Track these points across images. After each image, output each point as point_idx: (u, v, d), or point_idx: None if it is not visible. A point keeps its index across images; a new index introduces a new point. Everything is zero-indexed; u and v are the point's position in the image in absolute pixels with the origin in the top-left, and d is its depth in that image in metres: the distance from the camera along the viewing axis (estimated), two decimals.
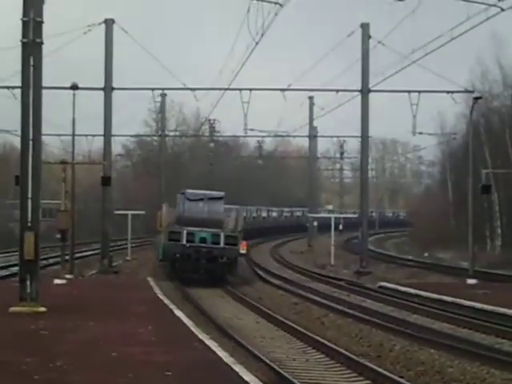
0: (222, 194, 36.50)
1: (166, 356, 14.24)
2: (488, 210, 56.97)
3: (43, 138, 56.81)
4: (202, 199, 35.44)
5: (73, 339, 16.01)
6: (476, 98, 36.89)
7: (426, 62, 36.94)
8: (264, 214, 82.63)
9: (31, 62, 20.53)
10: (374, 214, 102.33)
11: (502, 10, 27.19)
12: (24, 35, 20.57)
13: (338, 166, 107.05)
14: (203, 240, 33.49)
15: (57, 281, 29.89)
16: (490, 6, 27.11)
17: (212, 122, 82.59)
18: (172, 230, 34.11)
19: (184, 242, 33.42)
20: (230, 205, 40.88)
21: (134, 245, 53.87)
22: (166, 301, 24.45)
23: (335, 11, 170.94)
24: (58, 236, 34.80)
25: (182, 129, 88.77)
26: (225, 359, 14.35)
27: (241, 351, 17.48)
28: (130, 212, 49.72)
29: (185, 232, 33.56)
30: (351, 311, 25.20)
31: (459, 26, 29.11)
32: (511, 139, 53.31)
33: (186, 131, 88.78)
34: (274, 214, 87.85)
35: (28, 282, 20.29)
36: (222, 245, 33.42)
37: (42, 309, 20.07)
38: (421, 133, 48.53)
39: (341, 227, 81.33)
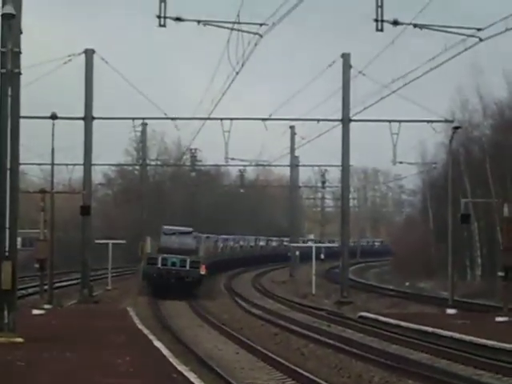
0: (190, 229, 46.79)
1: None
2: (468, 240, 57.12)
3: (23, 167, 55.92)
4: (174, 233, 45.21)
5: (49, 370, 15.85)
6: (455, 128, 37.13)
7: (407, 92, 37.29)
8: (251, 244, 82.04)
9: (9, 92, 20.54)
10: (353, 244, 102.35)
11: (481, 40, 27.44)
12: (2, 65, 20.61)
13: (319, 195, 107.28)
14: (173, 264, 42.57)
15: (35, 311, 29.68)
16: (469, 36, 27.34)
17: (193, 151, 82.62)
18: (150, 256, 43.36)
19: (159, 265, 42.51)
20: (210, 234, 55.44)
21: (114, 274, 53.59)
22: (146, 331, 24.30)
23: (316, 41, 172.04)
24: (37, 265, 34.55)
25: (164, 158, 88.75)
26: None
27: (220, 383, 17.37)
28: (110, 241, 49.50)
29: (160, 258, 42.75)
30: (331, 341, 25.12)
31: (438, 57, 29.36)
32: (491, 169, 53.56)
33: (167, 160, 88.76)
34: (252, 244, 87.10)
35: (5, 312, 20.14)
36: (187, 267, 42.42)
37: (19, 339, 19.90)
38: (401, 162, 48.81)
39: (322, 256, 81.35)
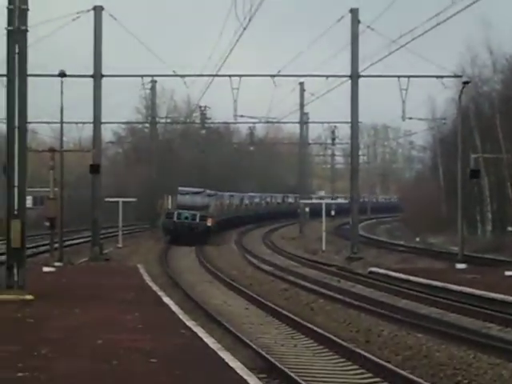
0: (202, 190, 55.07)
1: (152, 343, 14.19)
2: (478, 195, 57.02)
3: (35, 126, 55.78)
4: (188, 193, 53.82)
5: (58, 327, 15.93)
6: (465, 83, 36.80)
7: (415, 47, 36.95)
8: (257, 200, 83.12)
9: (16, 50, 20.43)
10: (365, 200, 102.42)
11: None
12: (9, 23, 20.50)
13: (329, 151, 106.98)
14: (186, 218, 51.58)
15: (46, 268, 29.82)
16: None
17: (203, 108, 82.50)
18: (168, 212, 53.30)
19: (175, 218, 51.69)
20: (221, 192, 62.46)
21: (125, 232, 53.83)
22: (155, 287, 24.40)
23: None
24: (47, 224, 34.65)
25: (173, 116, 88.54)
26: (212, 345, 14.29)
27: (229, 337, 17.47)
28: (120, 199, 49.67)
29: (175, 212, 52.10)
30: (341, 297, 25.21)
31: (446, 10, 29.01)
32: (501, 124, 53.21)
33: (177, 118, 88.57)
34: (267, 200, 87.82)
35: (15, 270, 20.25)
36: (197, 220, 51.37)
37: (29, 296, 20.01)
38: (410, 118, 48.54)
39: (333, 213, 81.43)
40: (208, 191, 56.46)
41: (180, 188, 54.92)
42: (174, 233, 51.55)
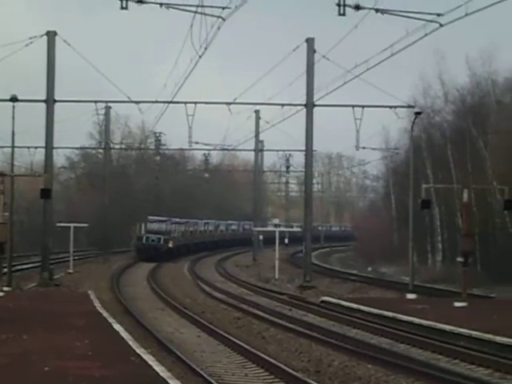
0: (166, 218, 67.13)
1: (101, 370, 14.09)
2: (429, 225, 57.55)
3: None
4: (155, 221, 65.81)
5: (5, 353, 15.74)
6: (417, 113, 37.25)
7: (370, 77, 37.32)
8: (211, 228, 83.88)
9: None
10: (319, 228, 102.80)
11: (441, 25, 27.52)
12: None
13: (284, 179, 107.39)
14: (153, 240, 62.44)
15: None
16: (429, 21, 27.43)
17: (157, 135, 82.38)
18: (139, 236, 63.71)
19: (144, 241, 62.56)
20: (177, 218, 69.78)
21: (76, 257, 53.36)
22: (106, 314, 24.22)
23: (279, 26, 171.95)
24: None
25: (128, 142, 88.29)
26: (162, 374, 14.23)
27: (179, 366, 17.37)
28: (72, 224, 49.31)
29: (144, 236, 62.96)
30: (292, 326, 25.21)
31: (400, 42, 29.42)
32: (452, 154, 53.95)
33: (131, 144, 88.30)
34: (221, 228, 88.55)
35: None
36: (161, 242, 62.39)
37: None
38: (364, 147, 48.90)
39: (286, 241, 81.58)
40: (173, 219, 68.01)
41: (149, 217, 66.16)
42: (142, 252, 61.78)
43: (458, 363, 18.70)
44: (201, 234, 78.31)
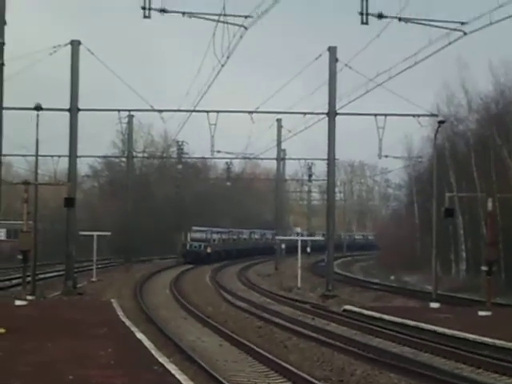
0: (206, 228, 77.14)
1: (124, 379, 14.12)
2: (453, 234, 57.28)
3: (10, 158, 55.91)
4: (197, 231, 76.18)
5: (29, 361, 15.80)
6: (440, 122, 37.13)
7: (392, 86, 37.29)
8: (245, 236, 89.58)
9: None
10: (342, 237, 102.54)
11: (465, 33, 27.42)
12: None
13: (306, 188, 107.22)
14: (195, 247, 73.03)
15: (18, 302, 29.58)
16: (452, 30, 27.34)
17: (180, 143, 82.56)
18: (183, 243, 74.17)
19: (188, 247, 73.23)
20: (221, 229, 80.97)
21: (99, 266, 53.54)
22: (128, 323, 24.25)
23: (301, 35, 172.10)
24: (20, 257, 34.42)
25: (150, 150, 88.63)
26: (184, 383, 14.23)
27: (202, 375, 17.35)
28: (95, 233, 49.48)
29: (188, 244, 73.65)
30: (315, 335, 25.14)
31: (423, 50, 29.35)
32: (476, 163, 53.70)
33: (154, 153, 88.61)
34: (256, 236, 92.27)
35: None
36: (202, 248, 72.82)
37: (1, 330, 19.84)
38: (387, 156, 48.88)
39: (309, 250, 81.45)
40: (213, 229, 77.99)
41: (193, 227, 76.55)
42: (186, 256, 71.90)
43: (482, 372, 18.58)
44: (234, 242, 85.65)
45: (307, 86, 45.34)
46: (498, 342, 21.19)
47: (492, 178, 50.23)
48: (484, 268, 31.67)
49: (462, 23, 27.45)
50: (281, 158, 68.72)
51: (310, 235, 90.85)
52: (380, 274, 65.07)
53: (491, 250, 32.00)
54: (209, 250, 73.11)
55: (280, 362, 19.04)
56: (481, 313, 29.56)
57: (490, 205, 32.30)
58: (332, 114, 41.32)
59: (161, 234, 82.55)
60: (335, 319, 30.07)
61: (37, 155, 37.47)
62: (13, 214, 55.93)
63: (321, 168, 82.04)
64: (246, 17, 27.91)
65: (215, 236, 78.75)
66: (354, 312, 31.90)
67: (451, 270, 57.58)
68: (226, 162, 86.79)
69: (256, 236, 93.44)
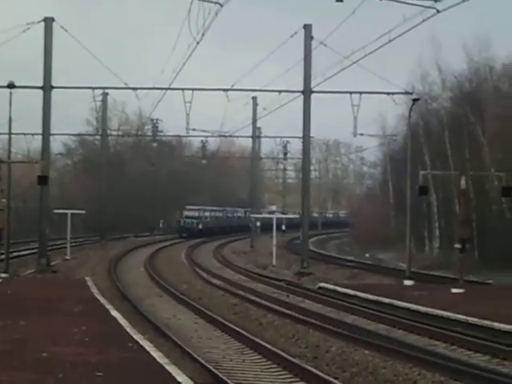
0: (198, 207, 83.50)
1: (98, 356, 14.09)
2: (427, 212, 57.59)
3: None
4: (190, 209, 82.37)
5: (2, 338, 15.74)
6: (414, 100, 37.18)
7: (367, 64, 37.22)
8: (230, 215, 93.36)
9: None
10: (315, 215, 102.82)
11: (438, 11, 27.38)
12: None
13: (281, 166, 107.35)
14: (188, 223, 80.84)
15: None
16: (426, 7, 27.32)
17: (155, 121, 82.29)
18: (178, 219, 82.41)
19: (182, 224, 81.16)
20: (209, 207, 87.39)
21: (74, 244, 53.34)
22: (103, 300, 24.21)
23: (277, 12, 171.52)
24: None
25: (125, 128, 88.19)
26: (159, 359, 14.23)
27: (177, 352, 17.36)
28: (69, 211, 49.27)
29: (182, 220, 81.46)
30: (290, 312, 25.22)
31: (397, 28, 29.32)
32: (450, 141, 53.93)
33: (128, 131, 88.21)
34: (240, 214, 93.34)
35: None
36: (194, 225, 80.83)
37: None
38: (362, 134, 48.96)
39: (284, 228, 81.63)
40: (204, 208, 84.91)
41: (186, 206, 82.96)
42: (181, 231, 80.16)
43: (456, 349, 18.71)
44: (224, 220, 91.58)
45: (282, 63, 45.38)
46: (470, 319, 21.34)
47: (466, 156, 50.49)
48: (457, 246, 31.85)
49: (436, 1, 27.43)
50: (256, 136, 68.72)
51: (285, 213, 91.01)
52: (355, 251, 65.38)
53: (464, 227, 32.18)
54: (200, 227, 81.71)
55: (255, 338, 19.09)
56: (454, 290, 29.77)
57: (463, 183, 32.43)
58: (307, 91, 41.28)
59: (136, 213, 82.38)
60: (310, 296, 30.18)
61: (10, 133, 37.16)
62: None
63: (296, 146, 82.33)
64: None
65: (207, 214, 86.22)
66: (329, 289, 32.03)
67: (425, 248, 57.95)
68: (202, 140, 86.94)
69: (240, 214, 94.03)
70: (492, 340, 18.96)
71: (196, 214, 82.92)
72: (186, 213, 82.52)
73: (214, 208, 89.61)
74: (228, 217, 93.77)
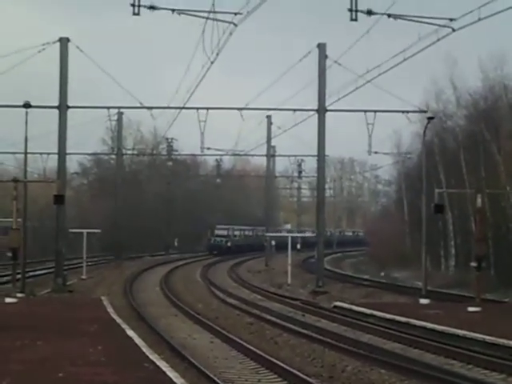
0: (227, 226, 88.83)
1: (115, 376, 14.10)
2: (443, 230, 57.38)
3: None
4: (220, 228, 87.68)
5: (19, 359, 15.77)
6: (429, 118, 37.16)
7: (381, 82, 37.28)
8: (259, 233, 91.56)
9: None
10: (330, 233, 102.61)
11: (453, 30, 27.45)
12: None
13: (295, 185, 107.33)
14: (218, 241, 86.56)
15: (8, 299, 29.53)
16: (441, 26, 27.38)
17: (169, 140, 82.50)
18: (208, 238, 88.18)
19: (212, 242, 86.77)
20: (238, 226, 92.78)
21: (89, 263, 53.45)
22: (119, 320, 24.23)
23: (291, 31, 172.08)
24: (9, 254, 34.35)
25: (140, 147, 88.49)
26: (175, 380, 14.22)
27: (193, 372, 17.35)
28: (85, 230, 49.40)
29: (212, 238, 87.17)
30: (305, 331, 25.17)
31: (412, 47, 29.38)
32: (465, 159, 53.82)
33: (143, 150, 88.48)
34: (247, 233, 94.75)
35: None
36: (223, 243, 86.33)
37: None
38: (376, 152, 48.87)
39: (299, 246, 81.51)
40: (234, 227, 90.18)
41: (217, 225, 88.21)
42: (211, 249, 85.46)
43: (472, 368, 18.63)
44: (249, 238, 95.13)
45: (297, 82, 45.42)
46: (487, 338, 21.25)
47: (481, 174, 50.34)
48: (473, 264, 31.74)
49: (451, 19, 27.49)
50: (271, 155, 68.75)
51: (300, 232, 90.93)
52: (370, 270, 65.16)
53: (480, 245, 32.07)
54: (229, 244, 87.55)
55: (271, 358, 19.05)
56: (470, 309, 29.64)
57: (479, 201, 32.35)
58: (322, 110, 41.35)
59: (151, 232, 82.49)
60: (326, 316, 30.10)
61: (26, 152, 37.36)
62: (2, 211, 55.76)
63: (311, 164, 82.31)
64: (235, 14, 27.91)
65: (236, 233, 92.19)
66: (345, 308, 31.94)
67: (441, 266, 57.70)
68: (216, 159, 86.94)
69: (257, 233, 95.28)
70: (508, 359, 18.86)
71: (225, 232, 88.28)
72: (216, 231, 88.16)
73: (242, 227, 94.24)
74: (255, 235, 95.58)
